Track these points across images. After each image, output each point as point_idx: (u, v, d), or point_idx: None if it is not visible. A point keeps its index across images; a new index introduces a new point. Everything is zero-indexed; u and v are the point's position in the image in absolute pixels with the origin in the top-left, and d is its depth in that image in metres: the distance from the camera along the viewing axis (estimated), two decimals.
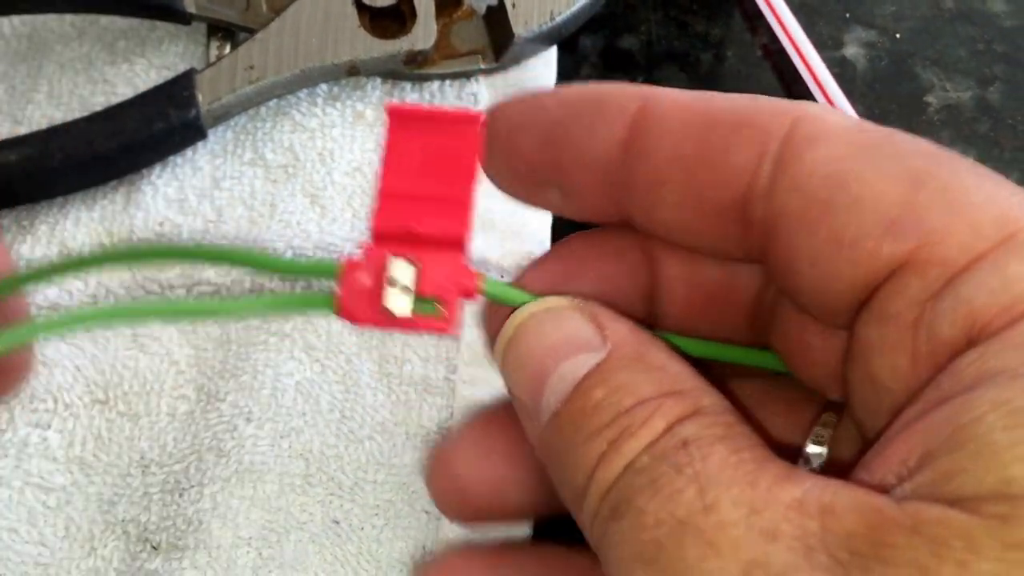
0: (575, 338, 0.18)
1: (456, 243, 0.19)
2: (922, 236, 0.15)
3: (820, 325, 0.19)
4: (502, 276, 0.31)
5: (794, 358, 0.20)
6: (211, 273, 0.31)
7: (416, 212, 0.19)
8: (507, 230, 0.31)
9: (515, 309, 0.19)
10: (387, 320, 0.19)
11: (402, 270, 0.19)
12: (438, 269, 0.19)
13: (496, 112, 0.20)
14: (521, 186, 0.20)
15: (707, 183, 0.18)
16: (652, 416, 0.16)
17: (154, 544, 0.27)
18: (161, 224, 0.32)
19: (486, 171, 0.20)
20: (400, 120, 0.19)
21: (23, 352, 0.24)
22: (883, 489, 0.14)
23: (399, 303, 0.19)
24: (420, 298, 0.19)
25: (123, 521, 0.28)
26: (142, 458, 0.29)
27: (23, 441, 0.29)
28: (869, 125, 0.17)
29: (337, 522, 0.28)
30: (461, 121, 0.19)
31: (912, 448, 0.14)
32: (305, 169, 0.33)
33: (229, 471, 0.28)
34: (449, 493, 0.22)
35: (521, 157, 0.19)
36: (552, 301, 0.19)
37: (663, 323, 0.21)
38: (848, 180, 0.16)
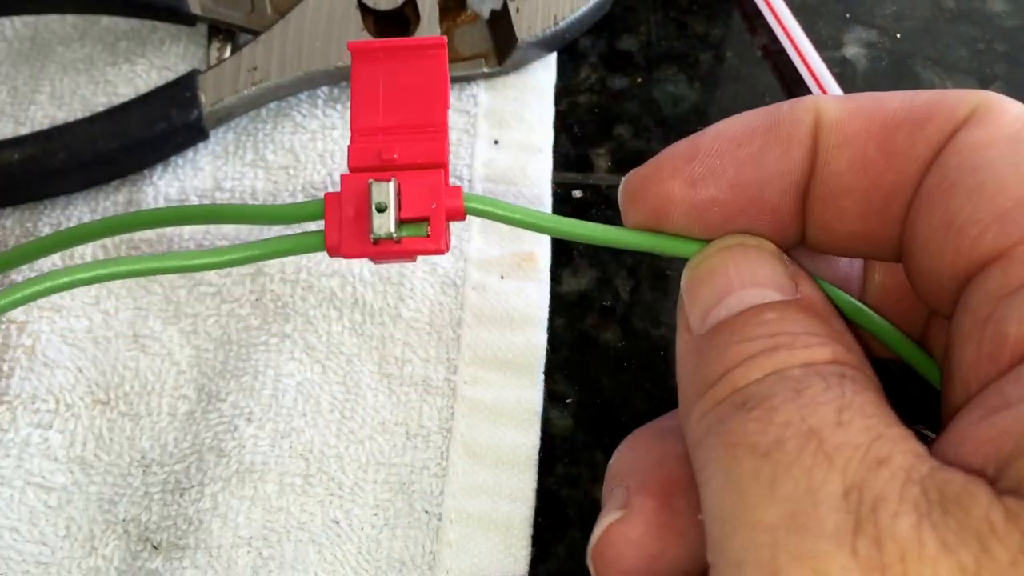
0: (767, 276, 0.18)
1: (435, 164, 0.19)
2: (1021, 233, 0.15)
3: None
4: (502, 277, 0.31)
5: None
6: (212, 275, 0.31)
7: (391, 143, 0.19)
8: (507, 230, 0.31)
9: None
10: (376, 250, 0.18)
11: (383, 192, 0.18)
12: (420, 189, 0.19)
13: (651, 174, 0.19)
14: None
15: (894, 184, 0.17)
16: (820, 345, 0.16)
17: (155, 544, 0.28)
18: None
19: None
20: (364, 56, 0.19)
21: None
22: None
23: (384, 224, 0.18)
24: (406, 222, 0.19)
25: (124, 521, 0.28)
26: (143, 458, 0.29)
27: (24, 441, 0.29)
28: None
29: (337, 522, 0.28)
30: (426, 47, 0.19)
31: (984, 456, 0.14)
32: (306, 170, 0.33)
33: (230, 471, 0.28)
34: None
35: (714, 208, 0.19)
36: (756, 240, 0.19)
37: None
38: (981, 166, 0.16)
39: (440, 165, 0.19)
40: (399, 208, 0.19)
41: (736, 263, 0.18)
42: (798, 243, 0.20)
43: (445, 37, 0.19)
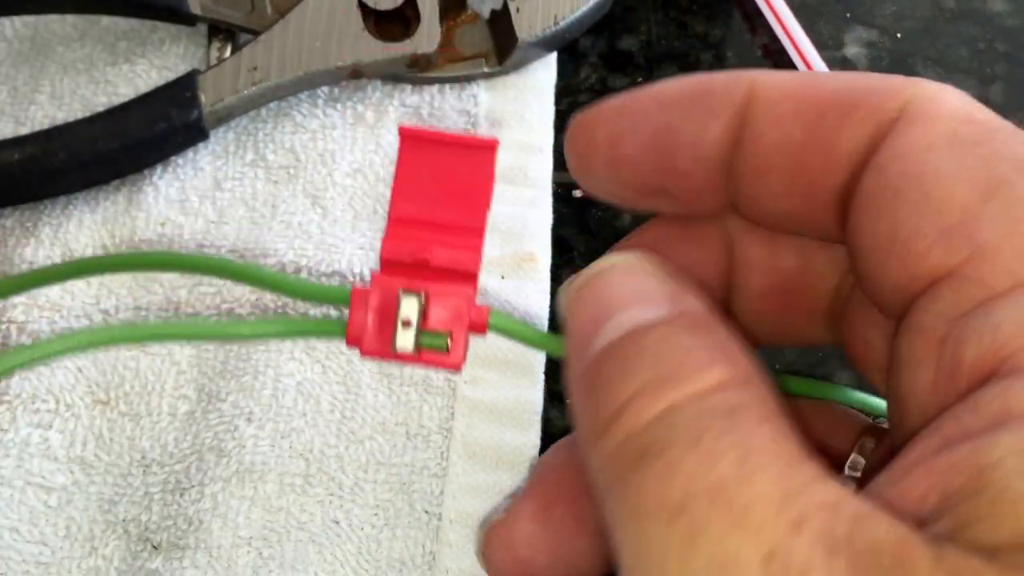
0: (647, 292, 0.17)
1: (467, 273, 0.19)
2: (972, 250, 0.15)
3: (883, 322, 0.18)
4: (503, 277, 0.31)
5: (860, 359, 0.20)
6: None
7: (427, 240, 0.19)
8: (507, 230, 0.31)
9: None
10: (395, 356, 0.19)
11: (410, 305, 0.18)
12: (446, 303, 0.19)
13: (588, 121, 0.19)
14: (625, 193, 0.20)
15: (817, 170, 0.17)
16: (707, 368, 0.15)
17: (155, 544, 0.28)
18: (163, 224, 0.32)
19: (582, 182, 0.19)
20: (413, 143, 0.19)
21: None
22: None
23: (406, 340, 0.18)
24: (427, 333, 0.19)
25: (124, 521, 0.28)
26: (143, 458, 0.29)
27: (24, 441, 0.29)
28: (980, 115, 0.16)
29: (337, 522, 0.28)
30: (476, 147, 0.19)
31: (932, 487, 0.14)
32: (306, 170, 0.33)
33: (230, 471, 0.28)
34: (511, 574, 0.21)
35: (627, 165, 0.19)
36: (635, 257, 0.18)
37: (739, 313, 0.21)
38: (925, 173, 0.15)
39: (472, 275, 0.19)
40: (423, 320, 0.19)
41: (611, 284, 0.18)
42: (720, 213, 0.19)
43: (497, 140, 0.19)
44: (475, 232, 0.19)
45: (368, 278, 0.31)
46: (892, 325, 0.17)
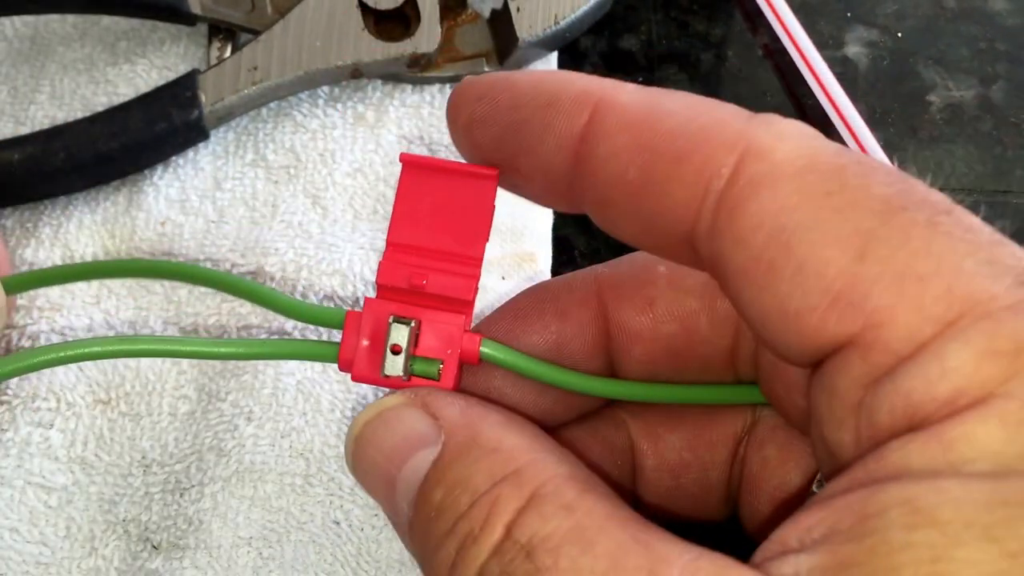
0: (412, 435, 0.18)
1: (462, 301, 0.19)
2: (866, 317, 0.15)
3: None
4: (503, 278, 0.31)
5: (779, 400, 0.20)
6: None
7: (423, 267, 0.19)
8: (507, 230, 0.31)
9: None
10: (385, 381, 0.19)
11: (400, 333, 0.19)
12: (439, 331, 0.19)
13: (455, 100, 0.19)
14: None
15: (652, 211, 0.17)
16: (489, 516, 0.16)
17: (155, 544, 0.28)
18: (163, 224, 0.32)
19: (453, 143, 0.20)
20: (414, 170, 0.19)
21: None
22: (783, 552, 0.14)
23: (396, 367, 0.19)
24: (418, 359, 0.19)
25: (124, 521, 0.28)
26: (143, 458, 0.29)
27: (25, 440, 0.29)
28: (823, 157, 0.16)
29: (337, 522, 0.28)
30: (477, 176, 0.19)
31: (821, 520, 0.14)
32: (307, 170, 0.33)
33: (230, 471, 0.28)
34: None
35: (478, 149, 0.19)
36: (384, 402, 0.18)
37: (626, 371, 0.21)
38: (792, 241, 0.15)
39: (466, 303, 0.19)
40: (415, 347, 0.19)
41: (377, 442, 0.18)
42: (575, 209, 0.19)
43: (497, 169, 0.19)
44: (472, 260, 0.19)
45: (368, 277, 0.31)
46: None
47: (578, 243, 0.33)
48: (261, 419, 0.29)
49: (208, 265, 0.31)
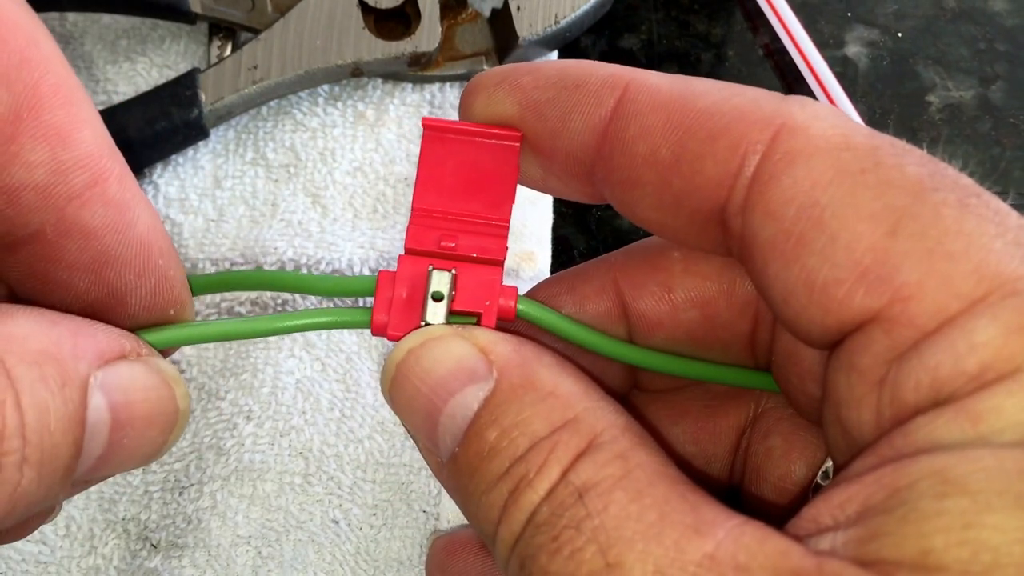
0: (460, 368, 0.17)
1: (493, 261, 0.19)
2: (894, 291, 0.15)
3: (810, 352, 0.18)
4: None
5: (789, 383, 0.20)
6: (212, 272, 0.31)
7: (451, 230, 0.19)
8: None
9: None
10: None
11: (442, 282, 0.18)
12: (476, 284, 0.18)
13: (472, 87, 0.19)
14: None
15: (682, 190, 0.17)
16: (547, 461, 0.15)
17: (154, 542, 0.28)
18: (163, 223, 0.32)
19: None
20: (436, 134, 0.19)
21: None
22: (819, 530, 0.14)
23: (437, 315, 0.18)
24: (455, 314, 0.18)
25: (123, 519, 0.28)
26: None
27: None
28: (858, 138, 0.16)
29: (336, 521, 0.28)
30: (500, 137, 0.19)
31: (852, 497, 0.14)
32: (306, 168, 0.33)
33: (229, 469, 0.28)
34: None
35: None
36: (432, 330, 0.18)
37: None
38: (824, 215, 0.15)
39: (498, 263, 0.19)
40: (453, 299, 0.18)
41: (422, 372, 0.17)
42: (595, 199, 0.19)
43: (520, 132, 0.18)
44: (500, 223, 0.19)
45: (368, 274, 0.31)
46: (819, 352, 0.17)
47: (578, 243, 0.33)
48: (260, 418, 0.29)
49: (208, 264, 0.31)
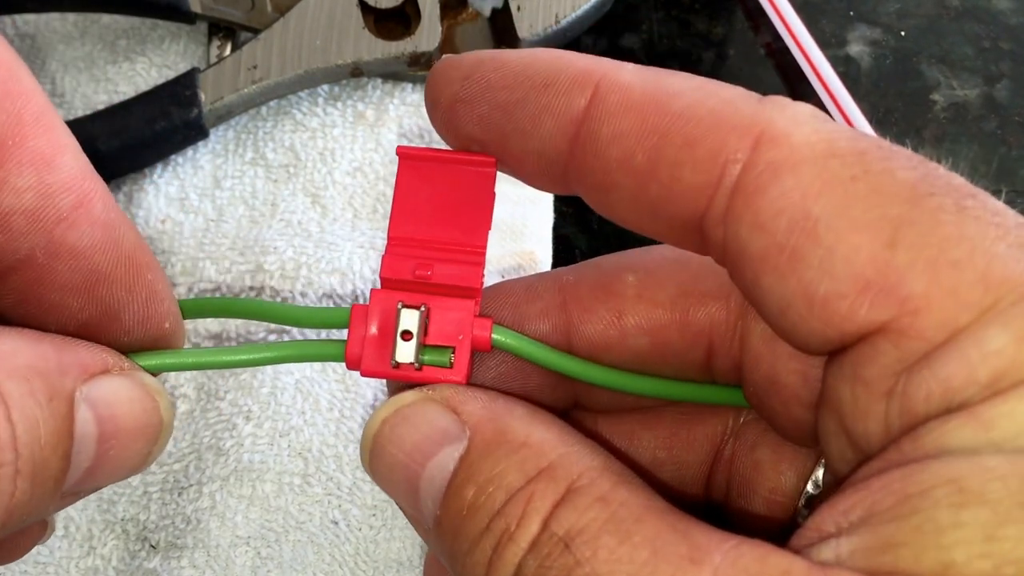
0: (434, 431, 0.17)
1: (469, 289, 0.18)
2: (900, 304, 0.14)
3: (793, 365, 0.18)
4: (503, 276, 0.31)
5: (771, 410, 0.19)
6: (212, 272, 0.31)
7: (427, 259, 0.18)
8: (507, 229, 0.31)
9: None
10: (395, 372, 0.18)
11: (411, 320, 0.18)
12: (449, 318, 0.18)
13: (436, 79, 0.18)
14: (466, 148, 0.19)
15: (660, 196, 0.16)
16: (525, 512, 0.15)
17: (153, 543, 0.27)
18: (163, 222, 0.32)
19: (434, 127, 0.19)
20: (411, 162, 0.19)
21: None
22: (821, 537, 0.14)
23: (407, 354, 0.18)
24: (429, 348, 0.18)
25: (122, 520, 0.28)
26: None
27: None
28: (842, 142, 0.15)
29: (335, 522, 0.28)
30: (475, 164, 0.18)
31: (857, 503, 0.14)
32: (306, 168, 0.33)
33: (228, 470, 0.28)
34: None
35: (462, 132, 0.18)
36: (402, 398, 0.18)
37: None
38: (818, 228, 0.15)
39: (474, 291, 0.18)
40: (425, 334, 0.18)
41: (398, 440, 0.17)
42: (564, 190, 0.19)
43: (495, 158, 0.18)
44: (476, 249, 0.18)
45: (368, 276, 0.31)
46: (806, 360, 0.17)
47: (579, 243, 0.32)
48: (260, 418, 0.29)
49: (208, 264, 0.31)
